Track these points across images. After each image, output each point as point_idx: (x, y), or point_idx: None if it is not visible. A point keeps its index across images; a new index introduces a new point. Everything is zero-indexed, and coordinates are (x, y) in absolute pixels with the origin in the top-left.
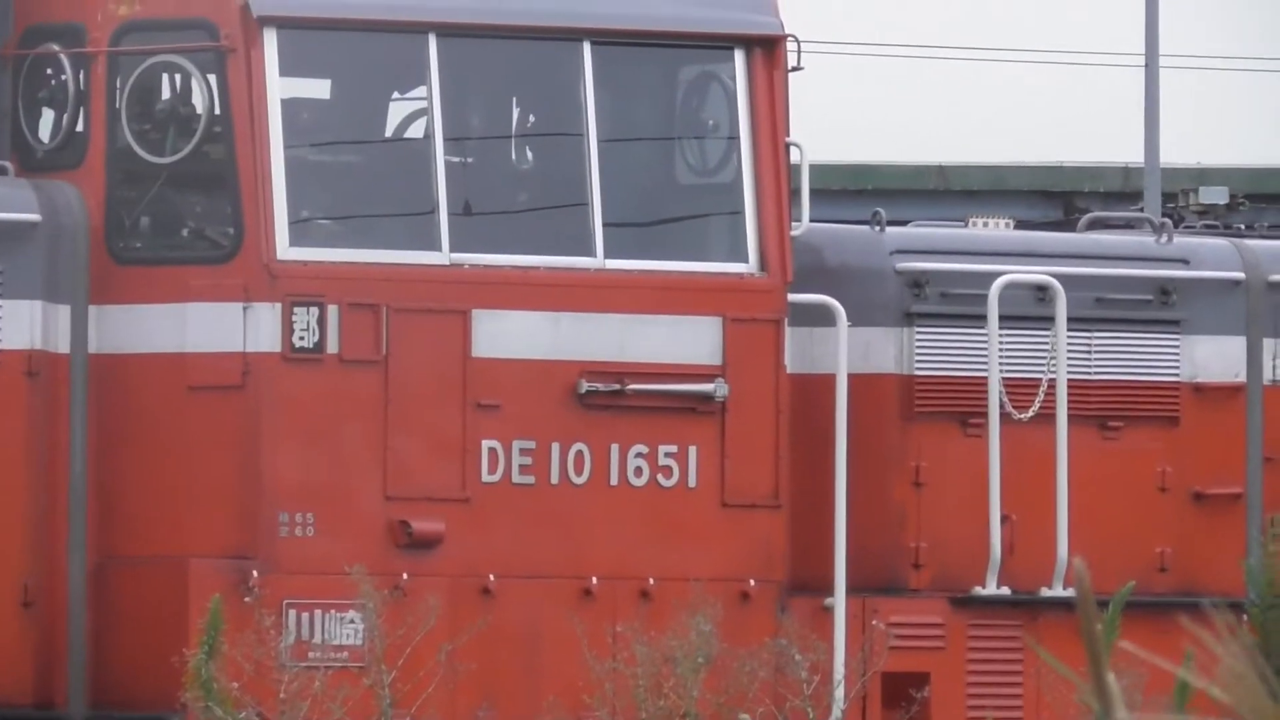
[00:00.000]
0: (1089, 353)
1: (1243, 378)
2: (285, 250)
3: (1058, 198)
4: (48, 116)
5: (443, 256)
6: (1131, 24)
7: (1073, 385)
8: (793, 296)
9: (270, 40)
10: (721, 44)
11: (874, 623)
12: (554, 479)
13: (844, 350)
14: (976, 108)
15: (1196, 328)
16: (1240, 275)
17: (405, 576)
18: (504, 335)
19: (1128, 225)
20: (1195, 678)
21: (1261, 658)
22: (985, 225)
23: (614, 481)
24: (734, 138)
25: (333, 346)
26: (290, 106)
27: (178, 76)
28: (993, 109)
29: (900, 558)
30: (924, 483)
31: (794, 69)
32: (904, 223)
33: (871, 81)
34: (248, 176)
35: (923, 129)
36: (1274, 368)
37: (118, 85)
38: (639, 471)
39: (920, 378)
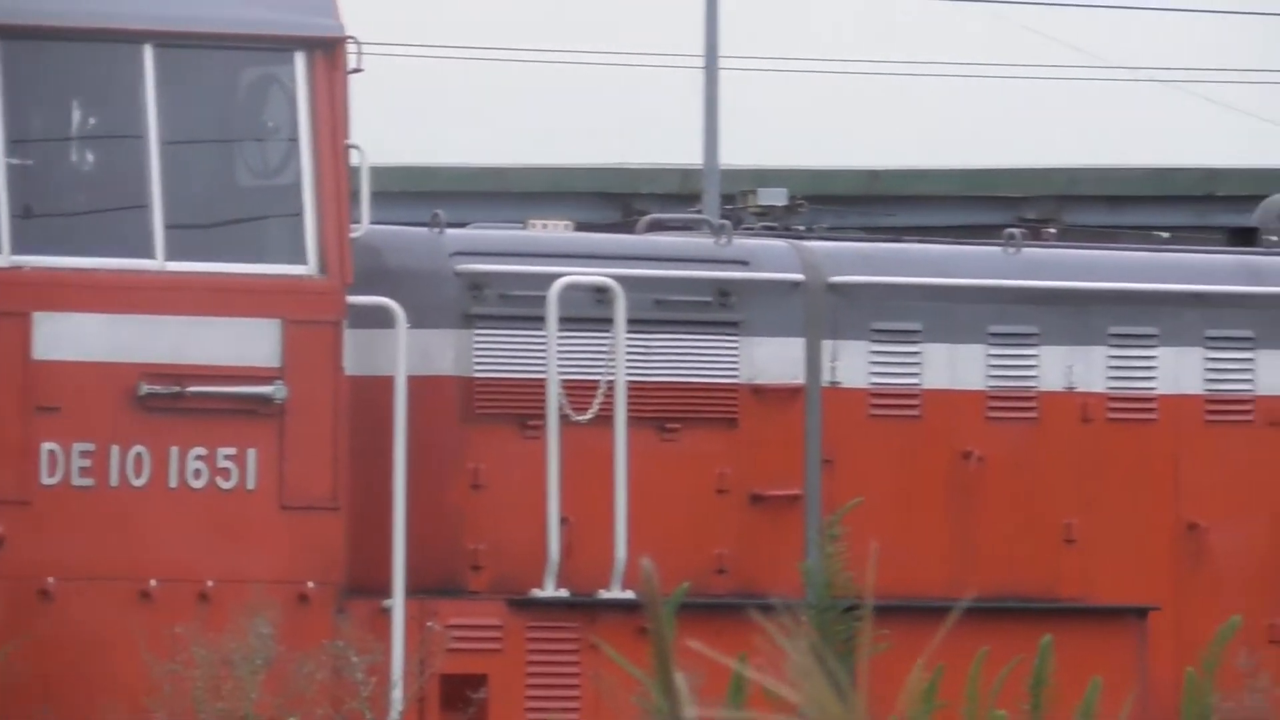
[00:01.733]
0: (648, 354)
1: (801, 380)
2: None
3: (616, 199)
4: None
5: (2, 259)
6: (691, 25)
7: (632, 387)
8: (352, 299)
9: None
10: (282, 46)
11: (430, 625)
12: (113, 481)
13: (403, 352)
14: (535, 109)
15: (756, 329)
16: (799, 277)
17: None
18: (64, 337)
19: (687, 227)
20: (762, 676)
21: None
22: (544, 227)
23: (173, 484)
24: (294, 140)
25: None
26: None
27: None
28: (551, 110)
29: (459, 560)
30: (483, 485)
31: (354, 71)
32: (464, 225)
33: (432, 83)
34: None
35: (483, 131)
36: (833, 369)
37: None
38: (198, 474)
39: (479, 380)
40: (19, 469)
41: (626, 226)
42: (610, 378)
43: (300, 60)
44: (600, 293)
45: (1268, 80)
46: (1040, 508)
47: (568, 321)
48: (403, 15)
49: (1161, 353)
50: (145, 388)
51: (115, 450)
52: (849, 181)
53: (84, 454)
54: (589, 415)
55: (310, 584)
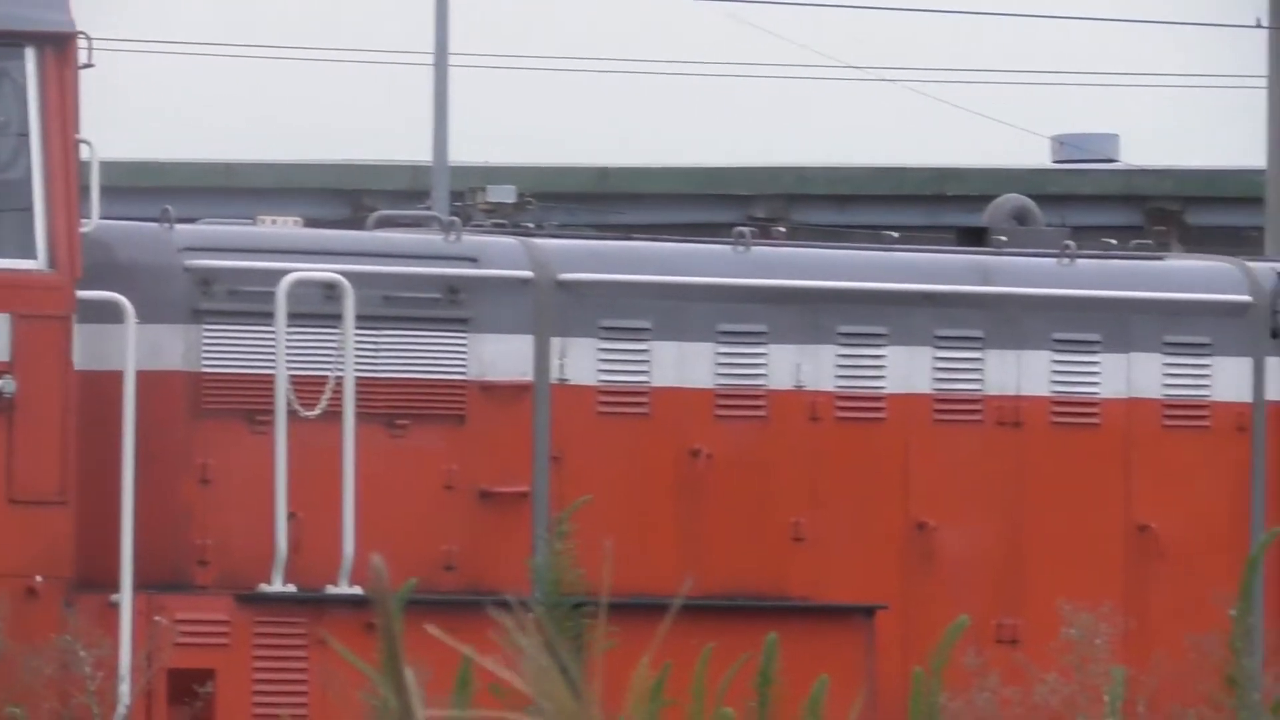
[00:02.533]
0: (377, 350)
1: (530, 376)
2: None
3: (346, 196)
4: None
5: None
6: (421, 22)
7: (361, 383)
8: (81, 293)
9: None
10: (12, 41)
11: (158, 619)
12: None
13: (132, 347)
14: (265, 105)
15: (485, 326)
16: (528, 274)
17: None
18: None
19: (416, 224)
20: (498, 670)
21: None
22: (274, 223)
23: None
24: (24, 135)
25: None
26: None
27: None
28: (281, 106)
29: (186, 555)
30: (211, 480)
31: (85, 66)
32: (194, 220)
33: (162, 79)
34: None
35: (213, 128)
36: (561, 366)
37: None
38: None
39: (208, 375)
40: None
41: (356, 223)
42: (339, 374)
43: (31, 55)
44: (329, 289)
45: (997, 80)
46: (769, 506)
47: (297, 317)
48: (133, 11)
49: (891, 352)
50: None
51: None
52: (579, 179)
53: None
54: (317, 411)
55: (38, 578)
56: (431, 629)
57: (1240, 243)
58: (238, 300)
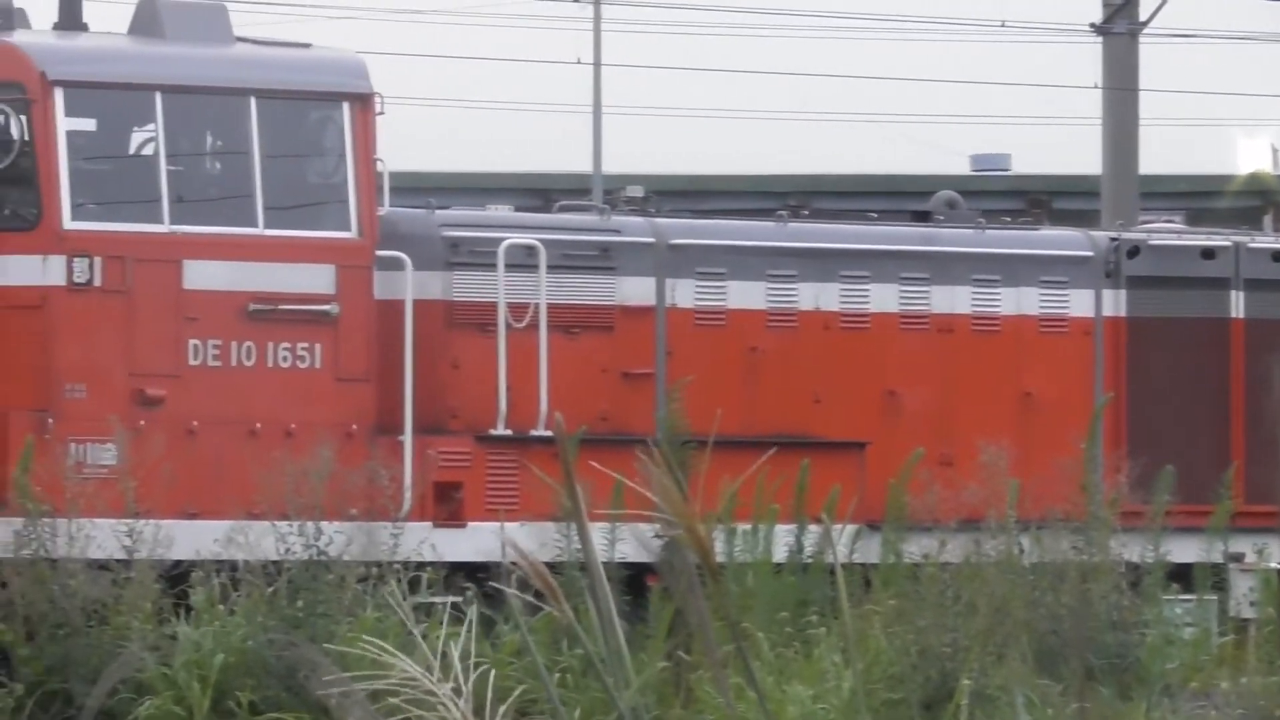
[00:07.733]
0: (560, 287)
1: (653, 303)
2: (68, 223)
3: (539, 193)
4: None
5: (165, 227)
6: (584, 77)
7: (550, 307)
8: (379, 252)
9: (59, 95)
10: (334, 99)
11: (428, 452)
12: (234, 363)
13: (410, 285)
14: (473, 136)
15: (625, 272)
16: (651, 240)
17: (141, 423)
18: (202, 276)
19: (583, 209)
20: (636, 486)
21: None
22: (496, 209)
23: (270, 364)
24: (343, 155)
25: (98, 282)
26: (72, 135)
27: (3, 116)
28: (486, 139)
29: (444, 412)
30: (459, 365)
31: (379, 114)
32: (446, 207)
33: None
34: (46, 177)
35: (453, 144)
36: (672, 297)
37: None
38: (285, 358)
39: (457, 302)
40: (174, 355)
41: (546, 209)
42: (537, 301)
43: (346, 107)
44: (530, 249)
45: (954, 120)
46: (798, 381)
47: (510, 267)
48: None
49: (873, 288)
50: (253, 306)
51: (234, 345)
52: (679, 182)
53: (215, 347)
54: (523, 324)
55: (354, 426)
56: (594, 464)
57: (1087, 221)
58: (475, 256)
